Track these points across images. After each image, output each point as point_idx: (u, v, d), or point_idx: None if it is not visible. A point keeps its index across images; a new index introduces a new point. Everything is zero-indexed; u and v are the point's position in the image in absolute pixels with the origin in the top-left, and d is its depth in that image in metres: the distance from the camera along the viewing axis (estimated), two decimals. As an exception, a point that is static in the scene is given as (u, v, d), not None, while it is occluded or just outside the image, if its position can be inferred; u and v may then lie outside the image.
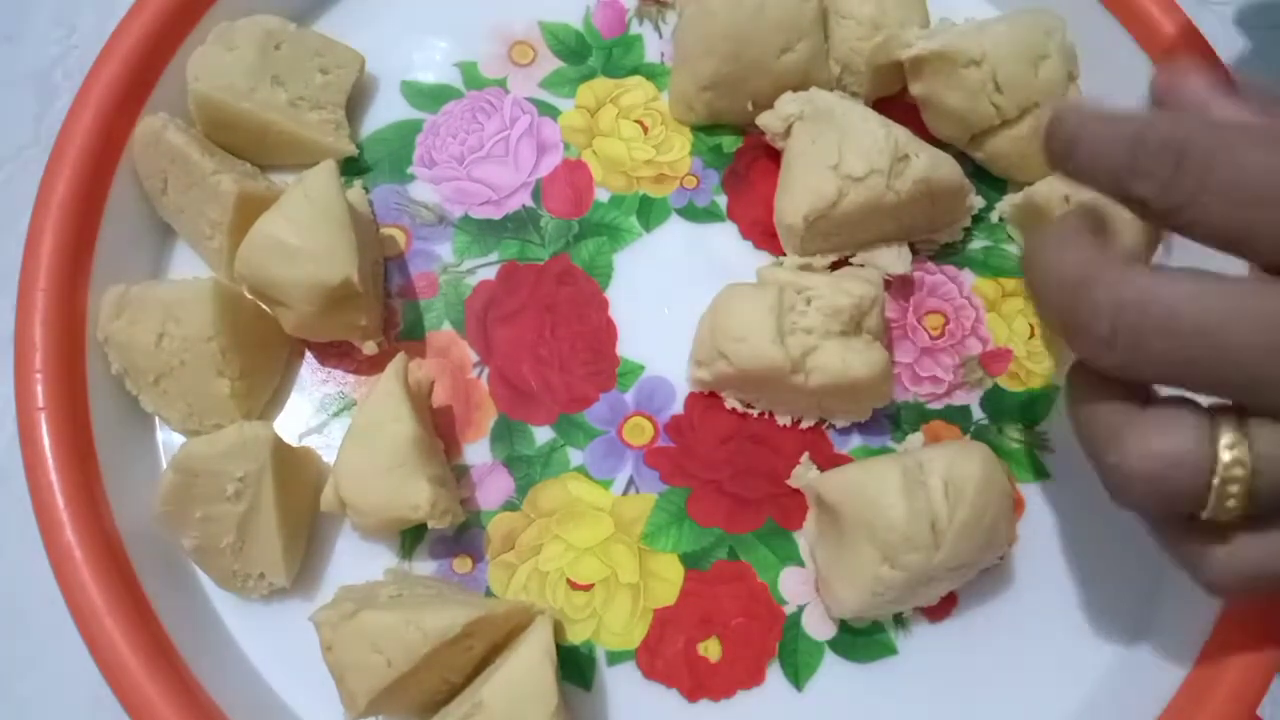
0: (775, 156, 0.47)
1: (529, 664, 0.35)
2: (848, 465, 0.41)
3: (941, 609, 0.42)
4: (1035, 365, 0.46)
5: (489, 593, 0.41)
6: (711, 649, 0.41)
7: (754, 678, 0.41)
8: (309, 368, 0.44)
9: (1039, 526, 0.43)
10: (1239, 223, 0.28)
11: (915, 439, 0.42)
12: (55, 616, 0.37)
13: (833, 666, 0.41)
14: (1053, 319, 0.32)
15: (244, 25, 0.45)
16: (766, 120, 0.45)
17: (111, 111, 0.43)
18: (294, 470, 0.40)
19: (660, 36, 0.51)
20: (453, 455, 0.43)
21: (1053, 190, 0.44)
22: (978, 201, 0.46)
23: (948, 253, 0.47)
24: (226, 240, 0.42)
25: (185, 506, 0.38)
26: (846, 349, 0.40)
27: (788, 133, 0.45)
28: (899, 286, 0.47)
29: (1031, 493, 0.44)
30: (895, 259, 0.45)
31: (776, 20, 0.44)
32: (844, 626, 0.41)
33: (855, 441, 0.44)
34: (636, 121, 0.49)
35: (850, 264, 0.45)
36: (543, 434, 0.43)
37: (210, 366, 0.40)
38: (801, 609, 0.41)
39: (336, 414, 0.44)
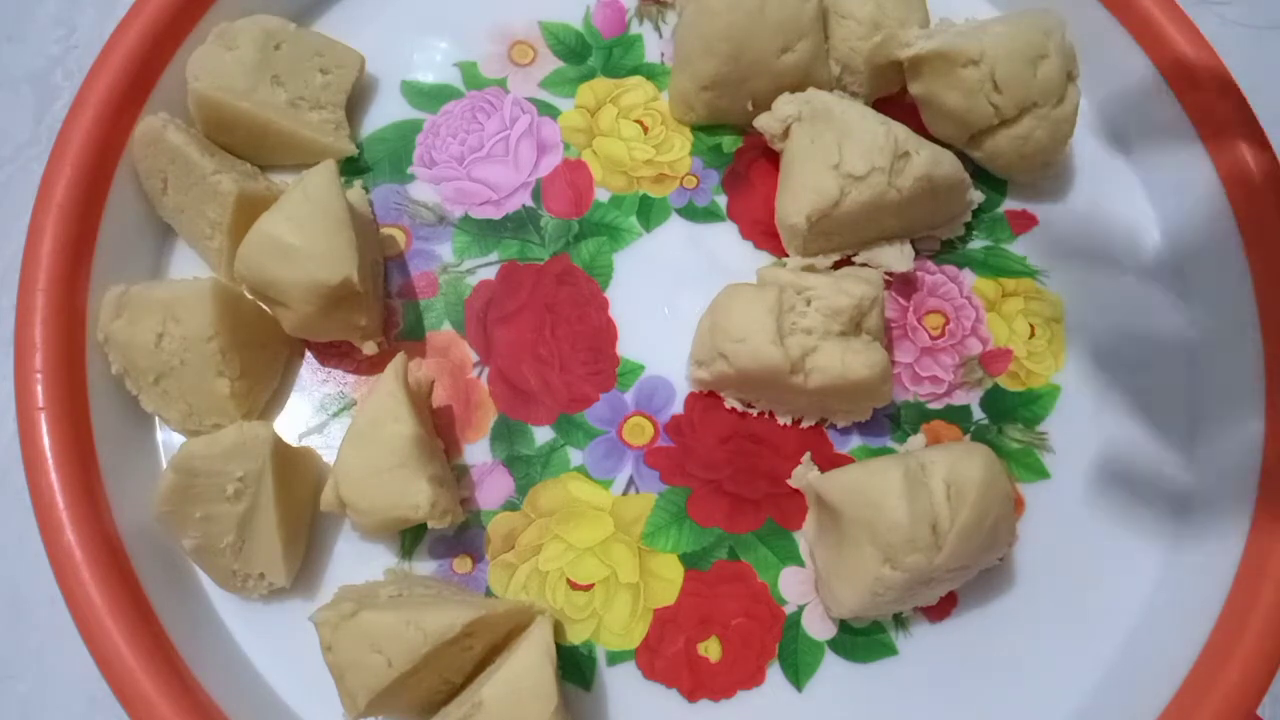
0: (775, 156, 0.47)
1: (529, 664, 0.35)
2: (849, 465, 0.41)
3: (941, 609, 0.42)
4: (1035, 365, 0.46)
5: (489, 593, 0.41)
6: (711, 649, 0.41)
7: (754, 678, 0.40)
8: (309, 368, 0.44)
9: (1039, 526, 0.43)
10: None
11: (917, 440, 0.42)
12: (55, 616, 0.37)
13: (833, 666, 0.41)
14: None
15: (244, 25, 0.45)
16: (764, 122, 0.45)
17: (111, 111, 0.43)
18: (294, 470, 0.40)
19: (660, 36, 0.51)
20: (453, 455, 0.43)
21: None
22: (977, 196, 0.46)
23: (948, 252, 0.47)
24: (226, 240, 0.42)
25: (185, 506, 0.38)
26: (846, 349, 0.40)
27: (785, 134, 0.45)
28: (900, 286, 0.47)
29: (1031, 493, 0.44)
30: (898, 257, 0.45)
31: (776, 20, 0.44)
32: (844, 626, 0.41)
33: (855, 441, 0.44)
34: (636, 121, 0.49)
35: (853, 263, 0.45)
36: (543, 434, 0.43)
37: (210, 366, 0.40)
38: (801, 609, 0.41)
39: (336, 414, 0.44)
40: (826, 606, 0.41)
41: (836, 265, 0.45)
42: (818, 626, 0.41)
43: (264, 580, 0.40)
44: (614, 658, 0.41)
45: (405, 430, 0.38)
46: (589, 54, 0.50)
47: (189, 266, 0.45)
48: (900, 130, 0.43)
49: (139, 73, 0.44)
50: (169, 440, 0.43)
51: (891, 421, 0.44)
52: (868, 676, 0.41)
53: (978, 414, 0.45)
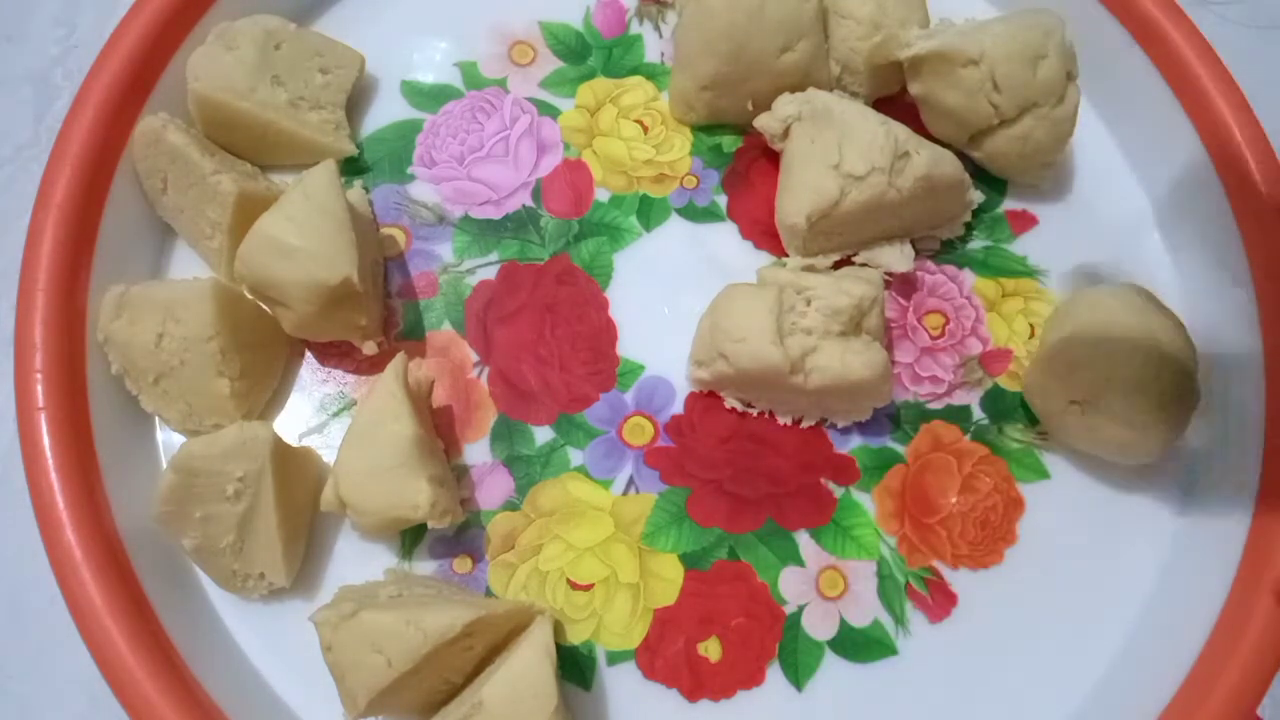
0: (775, 156, 0.47)
1: (529, 664, 0.35)
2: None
3: (941, 609, 0.42)
4: (1035, 365, 0.46)
5: (489, 593, 0.41)
6: (711, 649, 0.41)
7: (754, 678, 0.40)
8: (309, 368, 0.44)
9: (1039, 526, 0.43)
10: None
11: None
12: (55, 616, 0.37)
13: (833, 666, 0.41)
14: None
15: (244, 25, 0.45)
16: (764, 122, 0.45)
17: (111, 112, 0.43)
18: (294, 470, 0.40)
19: (660, 36, 0.51)
20: (453, 455, 0.43)
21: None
22: (977, 196, 0.46)
23: (948, 252, 0.47)
24: (226, 240, 0.42)
25: (185, 506, 0.38)
26: (846, 350, 0.40)
27: (785, 134, 0.45)
28: (900, 286, 0.47)
29: (1031, 493, 0.44)
30: (898, 257, 0.45)
31: (776, 20, 0.44)
32: (844, 626, 0.41)
33: (855, 441, 0.44)
34: (636, 121, 0.49)
35: (853, 263, 0.45)
36: (543, 434, 0.43)
37: (210, 366, 0.40)
38: (801, 609, 0.41)
39: (336, 414, 0.44)
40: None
41: (836, 265, 0.45)
42: (818, 626, 0.41)
43: (264, 580, 0.40)
44: (614, 658, 0.41)
45: (405, 430, 0.38)
46: (589, 54, 0.50)
47: (189, 266, 0.45)
48: (900, 130, 0.43)
49: (139, 73, 0.44)
50: (169, 440, 0.43)
51: (891, 421, 0.44)
52: (868, 676, 0.41)
53: (978, 414, 0.45)
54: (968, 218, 0.47)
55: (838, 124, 0.43)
